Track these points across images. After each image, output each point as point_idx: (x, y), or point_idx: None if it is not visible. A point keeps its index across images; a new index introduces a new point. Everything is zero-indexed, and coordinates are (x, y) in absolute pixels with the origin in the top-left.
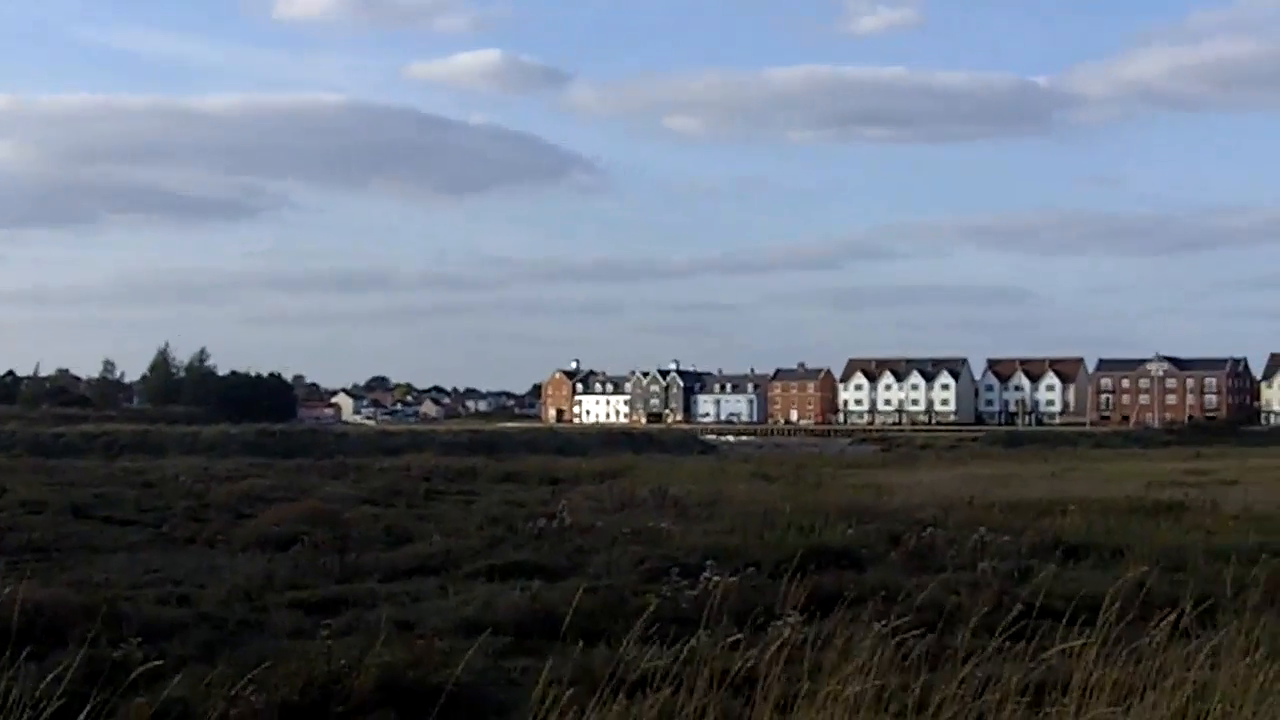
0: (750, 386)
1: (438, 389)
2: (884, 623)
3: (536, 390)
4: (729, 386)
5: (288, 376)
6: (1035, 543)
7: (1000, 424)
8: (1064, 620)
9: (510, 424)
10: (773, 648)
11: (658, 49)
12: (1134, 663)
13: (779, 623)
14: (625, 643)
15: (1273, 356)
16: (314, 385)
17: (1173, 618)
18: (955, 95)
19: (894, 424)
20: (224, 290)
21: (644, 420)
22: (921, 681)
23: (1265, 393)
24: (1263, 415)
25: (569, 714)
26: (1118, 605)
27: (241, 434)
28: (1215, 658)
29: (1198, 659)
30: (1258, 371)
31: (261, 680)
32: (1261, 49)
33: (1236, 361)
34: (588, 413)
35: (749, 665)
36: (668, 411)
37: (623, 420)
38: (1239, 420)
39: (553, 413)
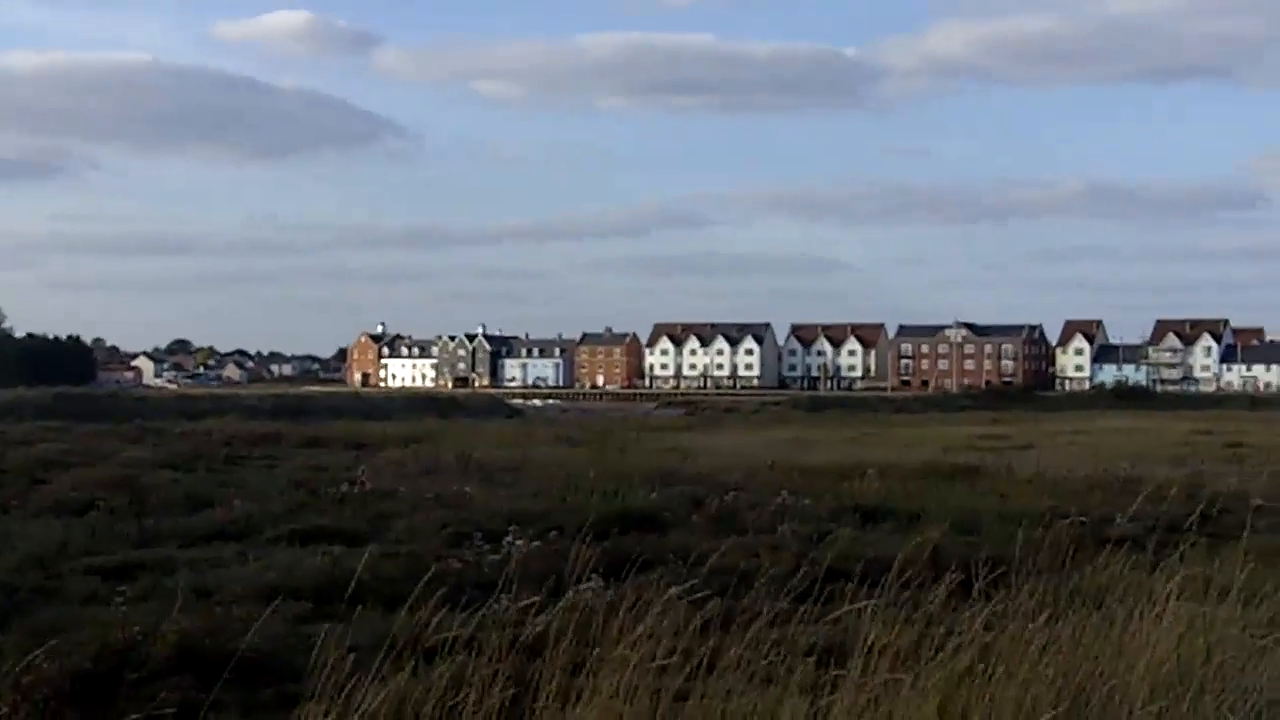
0: (557, 351)
1: (241, 353)
2: (681, 585)
3: (342, 354)
4: (536, 351)
5: (89, 340)
6: (835, 506)
7: (803, 389)
8: (858, 582)
9: (315, 388)
10: (565, 612)
11: (469, 14)
12: (923, 624)
13: (580, 586)
14: (422, 608)
15: (1068, 324)
16: (114, 349)
17: (962, 580)
18: (765, 65)
19: (699, 388)
20: (25, 253)
21: (450, 385)
22: (711, 643)
23: (1060, 359)
24: (1058, 381)
25: (356, 679)
26: (912, 568)
27: (38, 397)
28: (1002, 620)
29: (977, 622)
30: (1053, 338)
31: (55, 648)
32: (1062, 24)
33: (1033, 329)
34: (394, 377)
35: (543, 630)
36: (474, 376)
37: (429, 385)
38: (1035, 386)
39: (358, 377)
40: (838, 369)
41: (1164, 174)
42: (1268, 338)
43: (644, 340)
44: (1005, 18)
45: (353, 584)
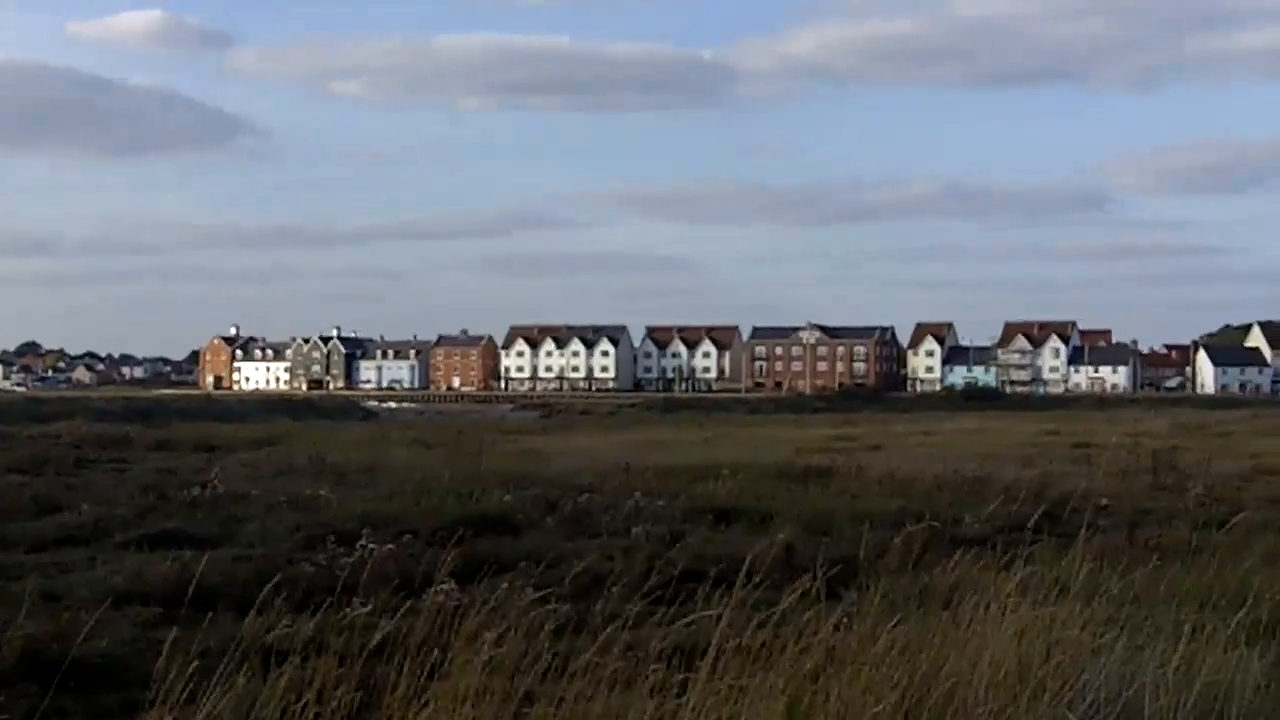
0: (413, 353)
1: (92, 355)
2: (534, 588)
3: (195, 357)
4: (391, 353)
5: None
6: (688, 508)
7: (658, 390)
8: (711, 583)
9: (167, 391)
10: (416, 614)
11: (326, 13)
12: (774, 626)
13: (432, 589)
14: (272, 611)
15: (919, 326)
16: None
17: (814, 580)
18: (622, 65)
19: (555, 391)
20: None
21: (305, 387)
22: (562, 646)
23: (911, 360)
24: (909, 382)
25: (200, 684)
26: (764, 569)
27: None
28: (851, 620)
29: (825, 622)
30: (905, 340)
31: None
32: (916, 26)
33: (885, 330)
34: (247, 379)
35: (392, 633)
36: (329, 378)
37: (283, 387)
38: (886, 387)
39: (211, 380)
40: (693, 371)
41: (1015, 175)
42: (1115, 339)
43: (500, 342)
44: (861, 20)
45: (194, 588)
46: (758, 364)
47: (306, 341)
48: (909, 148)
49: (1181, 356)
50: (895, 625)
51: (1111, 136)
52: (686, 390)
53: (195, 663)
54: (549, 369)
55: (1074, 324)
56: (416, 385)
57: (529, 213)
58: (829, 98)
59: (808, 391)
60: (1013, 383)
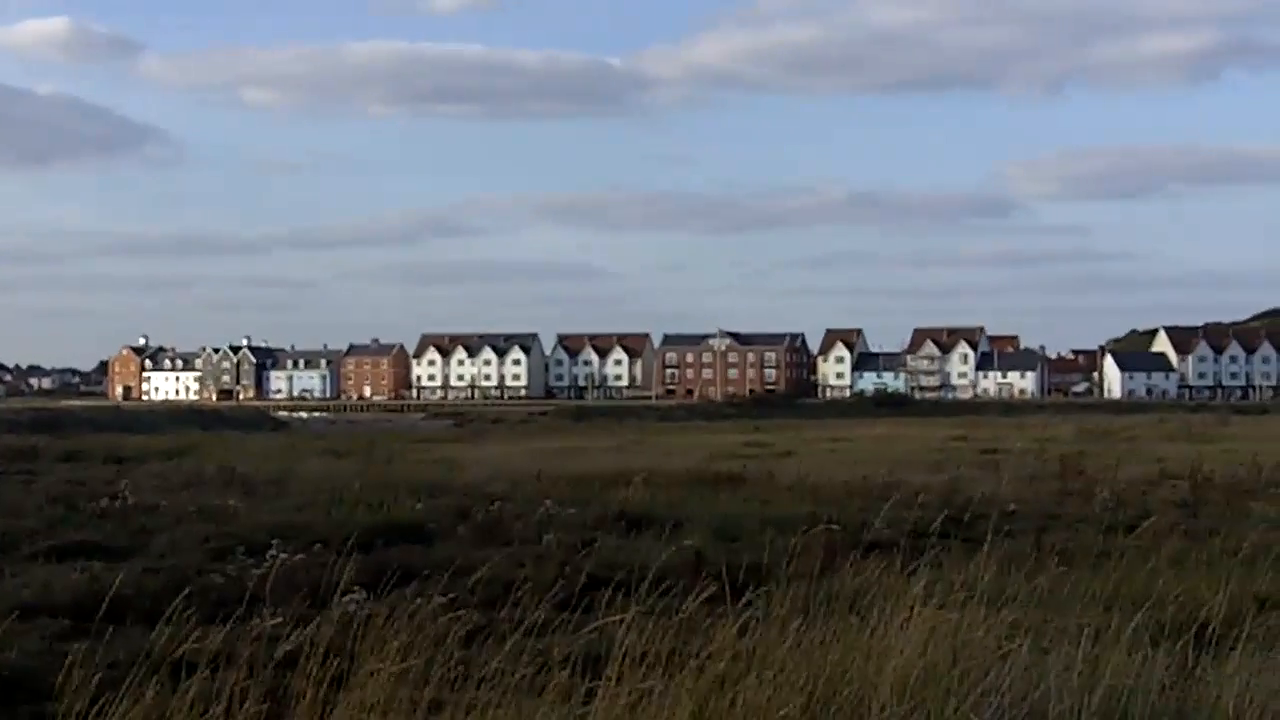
0: (324, 362)
1: None
2: (444, 596)
3: (104, 367)
4: (302, 363)
5: None
6: (600, 514)
7: (570, 398)
8: (622, 591)
9: (75, 402)
10: (325, 624)
11: (236, 21)
12: (683, 631)
13: (343, 599)
14: (181, 622)
15: (829, 332)
16: None
17: (724, 585)
18: (532, 74)
19: (467, 399)
20: None
21: (215, 397)
22: (467, 654)
23: (821, 367)
24: (819, 389)
25: (106, 697)
26: (674, 575)
27: None
28: (760, 625)
29: (732, 628)
30: (815, 347)
31: None
32: (824, 34)
33: (795, 337)
34: (156, 390)
35: (301, 643)
36: (239, 388)
37: (193, 398)
38: (797, 394)
39: (120, 390)
40: (604, 378)
41: (922, 182)
42: (1022, 345)
43: (411, 351)
44: (768, 28)
45: (106, 599)
46: (669, 371)
47: (216, 351)
48: (817, 155)
49: (1089, 362)
50: (802, 630)
51: (1017, 143)
52: (598, 398)
53: (100, 675)
54: (461, 377)
55: (982, 330)
56: (327, 395)
57: (440, 221)
58: (738, 105)
59: (719, 398)
60: (922, 388)
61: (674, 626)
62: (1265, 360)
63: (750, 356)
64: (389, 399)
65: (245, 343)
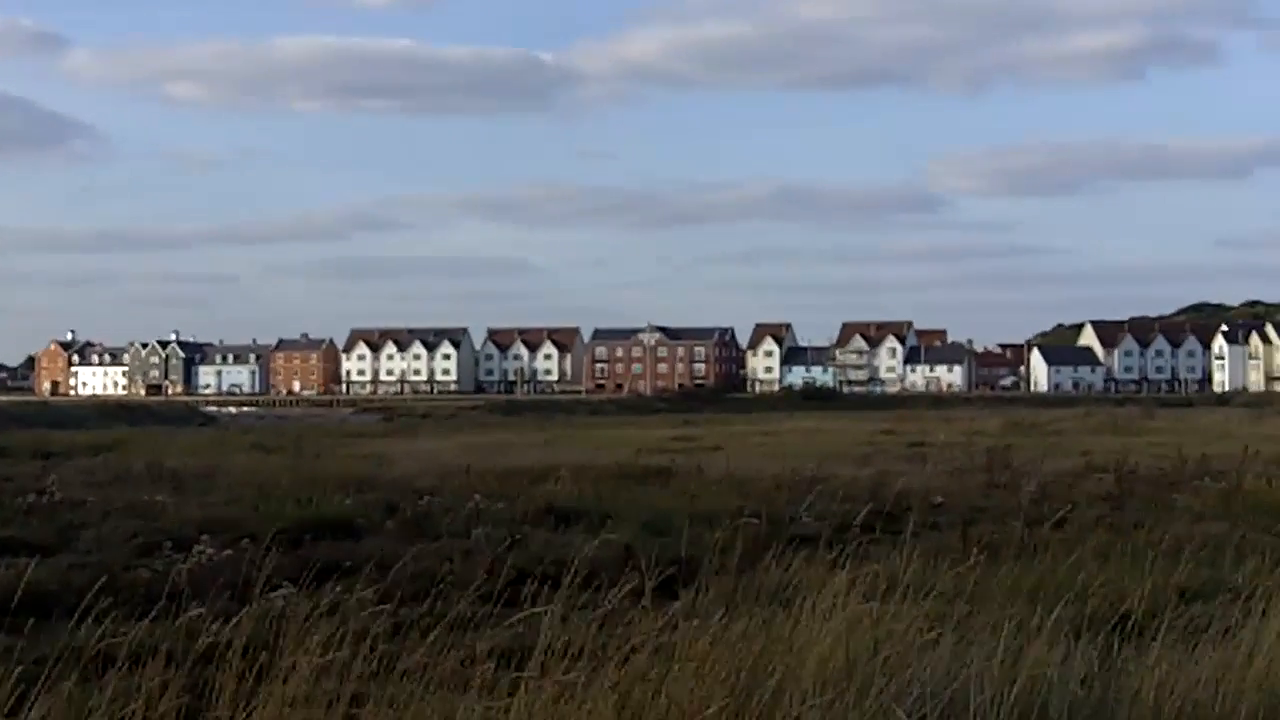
0: (253, 358)
1: None
2: (372, 591)
3: (31, 363)
4: (231, 358)
5: None
6: (529, 509)
7: (500, 393)
8: (549, 584)
9: (2, 398)
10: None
11: (161, 15)
12: (609, 625)
13: (270, 594)
14: (106, 618)
15: (758, 327)
16: None
17: (646, 579)
18: (460, 69)
19: (397, 394)
20: None
21: (143, 392)
22: (391, 648)
23: (751, 361)
24: (748, 383)
25: (23, 692)
26: (603, 569)
27: None
28: (685, 618)
29: (657, 621)
30: (744, 341)
31: None
32: (753, 30)
33: (724, 331)
34: (84, 385)
35: (224, 637)
36: (168, 383)
37: (121, 393)
38: (726, 388)
39: (47, 386)
40: (534, 373)
41: (850, 177)
42: (950, 339)
43: (340, 346)
44: (697, 23)
45: (29, 596)
46: (599, 366)
47: (144, 346)
48: (746, 151)
49: (1015, 356)
50: (726, 623)
51: (943, 138)
52: (528, 392)
53: (21, 670)
54: (390, 372)
55: (910, 324)
56: (256, 390)
57: (368, 216)
58: (667, 101)
59: (648, 393)
60: (850, 382)
61: (598, 620)
62: (1190, 354)
63: (680, 351)
64: (318, 394)
65: (174, 337)
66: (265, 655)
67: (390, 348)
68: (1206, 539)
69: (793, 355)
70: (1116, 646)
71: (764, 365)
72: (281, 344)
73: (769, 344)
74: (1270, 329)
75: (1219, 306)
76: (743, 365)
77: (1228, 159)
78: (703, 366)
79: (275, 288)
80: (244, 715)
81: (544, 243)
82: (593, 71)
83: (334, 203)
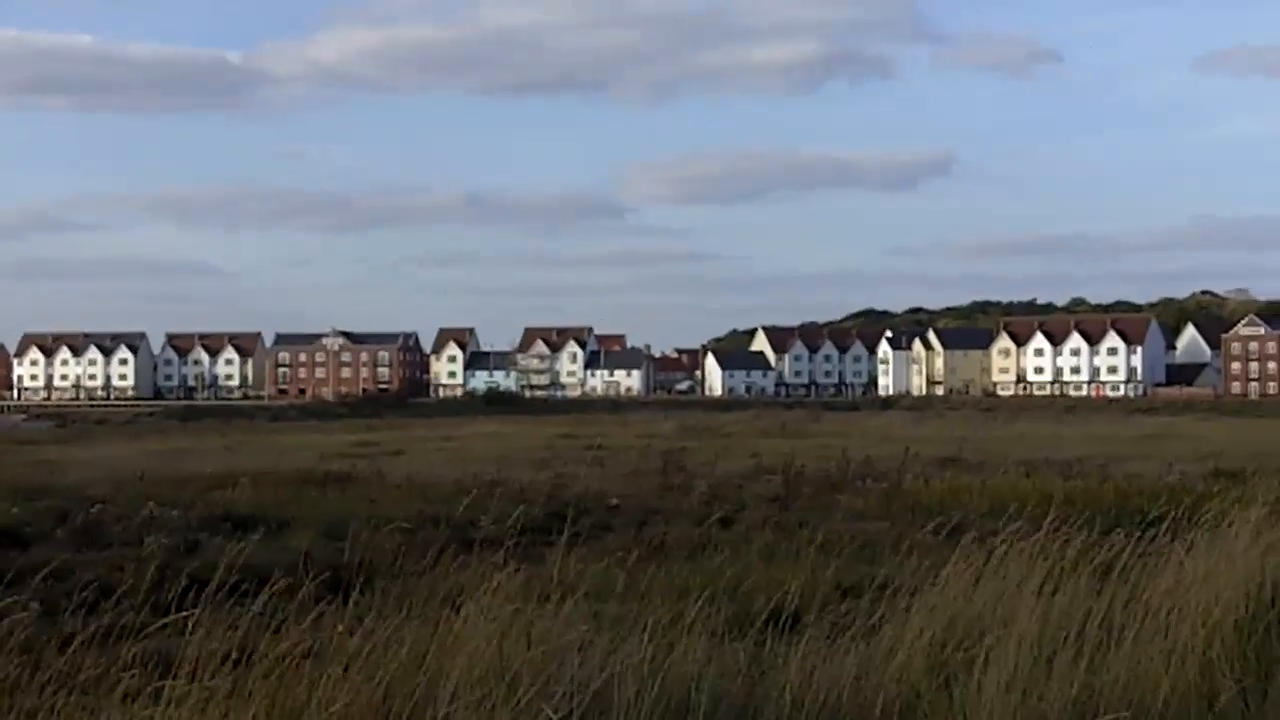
0: None
1: None
2: (39, 602)
3: None
4: None
5: None
6: (205, 516)
7: (179, 399)
8: (224, 590)
9: None
10: None
11: None
12: (263, 628)
13: None
14: None
15: (441, 331)
16: None
17: (323, 583)
18: (146, 67)
19: (72, 400)
20: None
21: None
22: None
23: (435, 365)
24: (432, 388)
25: None
26: (279, 576)
27: None
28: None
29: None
30: (428, 345)
31: None
32: (442, 34)
33: (408, 336)
34: None
35: None
36: None
37: None
38: (410, 393)
39: None
40: (215, 379)
41: (536, 183)
42: (629, 344)
43: (12, 350)
44: (383, 26)
45: None
46: (281, 371)
47: None
48: (434, 155)
49: (692, 360)
50: (383, 624)
51: (628, 146)
52: (209, 398)
53: None
54: (65, 378)
55: (590, 329)
56: None
57: (45, 217)
58: (361, 104)
59: (331, 398)
60: (533, 387)
61: (248, 625)
62: (857, 359)
63: (364, 356)
64: None
65: None
66: None
67: (64, 352)
68: (867, 537)
69: (476, 360)
70: (770, 643)
71: (447, 370)
72: None
73: (452, 349)
74: (932, 335)
75: (885, 313)
76: (427, 370)
77: (899, 170)
78: (387, 371)
79: None
80: None
81: (233, 246)
82: (285, 73)
83: (9, 203)
